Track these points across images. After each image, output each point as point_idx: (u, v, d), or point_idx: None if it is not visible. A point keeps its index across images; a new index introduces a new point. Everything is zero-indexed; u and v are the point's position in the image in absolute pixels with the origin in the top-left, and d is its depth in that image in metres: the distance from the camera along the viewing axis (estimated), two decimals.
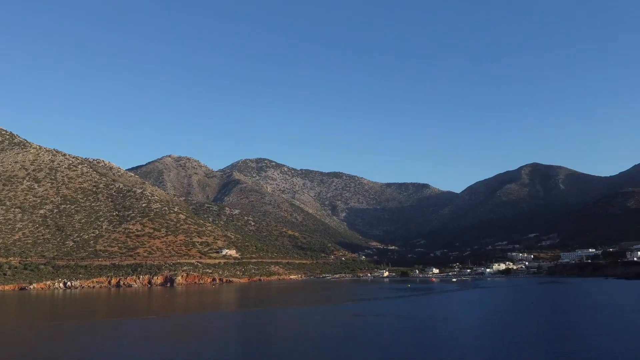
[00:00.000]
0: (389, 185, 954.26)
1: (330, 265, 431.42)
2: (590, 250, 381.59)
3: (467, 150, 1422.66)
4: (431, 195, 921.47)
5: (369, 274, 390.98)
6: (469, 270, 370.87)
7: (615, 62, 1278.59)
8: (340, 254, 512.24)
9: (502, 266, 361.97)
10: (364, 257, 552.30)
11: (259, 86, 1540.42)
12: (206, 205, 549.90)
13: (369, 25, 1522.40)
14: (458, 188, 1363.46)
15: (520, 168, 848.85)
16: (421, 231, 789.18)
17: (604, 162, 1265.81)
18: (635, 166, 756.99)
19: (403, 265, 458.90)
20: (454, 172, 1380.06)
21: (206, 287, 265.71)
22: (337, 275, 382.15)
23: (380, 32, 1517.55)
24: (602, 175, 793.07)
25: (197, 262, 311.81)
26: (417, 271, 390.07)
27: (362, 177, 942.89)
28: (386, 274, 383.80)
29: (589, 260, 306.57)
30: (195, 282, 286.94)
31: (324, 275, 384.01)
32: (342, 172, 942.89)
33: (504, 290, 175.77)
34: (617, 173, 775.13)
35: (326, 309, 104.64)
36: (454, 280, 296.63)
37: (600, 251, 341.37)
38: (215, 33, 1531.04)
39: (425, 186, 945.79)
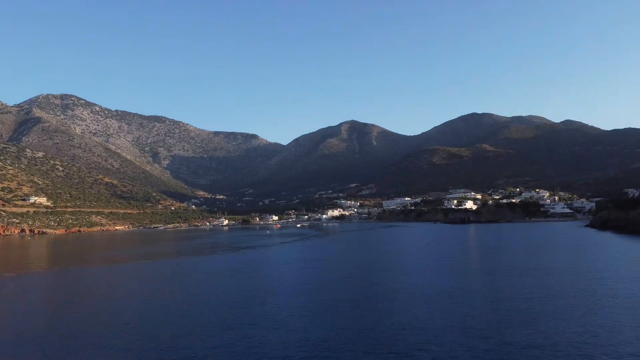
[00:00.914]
0: (217, 133, 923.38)
1: (160, 215, 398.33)
2: (406, 198, 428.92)
3: (295, 105, 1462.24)
4: (259, 146, 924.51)
5: (207, 223, 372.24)
6: (306, 217, 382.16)
7: (420, 40, 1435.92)
8: (168, 203, 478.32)
9: (336, 212, 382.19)
10: (193, 206, 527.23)
11: (62, 5, 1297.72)
12: (1, 145, 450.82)
13: None
14: (285, 140, 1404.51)
15: (341, 124, 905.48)
16: (249, 181, 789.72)
17: (408, 124, 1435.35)
18: (434, 128, 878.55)
19: (235, 213, 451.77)
20: (282, 125, 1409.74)
21: (14, 239, 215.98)
22: (172, 226, 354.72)
23: None
24: (407, 135, 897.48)
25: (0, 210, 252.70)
26: (257, 219, 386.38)
27: (188, 124, 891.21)
28: (226, 222, 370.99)
29: (413, 207, 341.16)
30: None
31: (155, 225, 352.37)
32: (165, 117, 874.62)
33: (372, 233, 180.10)
34: (419, 133, 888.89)
35: (222, 258, 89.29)
36: (299, 225, 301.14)
37: (418, 199, 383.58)
38: None
39: (254, 137, 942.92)
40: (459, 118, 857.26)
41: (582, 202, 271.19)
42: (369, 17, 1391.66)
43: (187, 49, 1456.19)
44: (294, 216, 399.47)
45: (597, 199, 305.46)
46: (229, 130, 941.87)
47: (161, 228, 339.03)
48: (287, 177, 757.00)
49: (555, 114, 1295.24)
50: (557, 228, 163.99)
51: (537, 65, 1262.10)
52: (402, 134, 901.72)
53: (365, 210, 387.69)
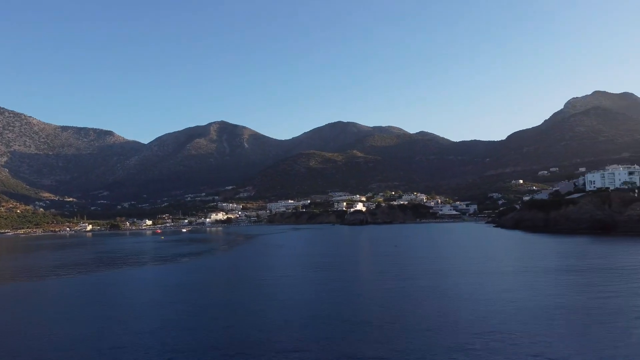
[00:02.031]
0: (65, 128, 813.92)
1: (5, 219, 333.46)
2: (289, 201, 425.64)
3: (157, 100, 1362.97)
4: (116, 144, 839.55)
5: (67, 229, 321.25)
6: (186, 221, 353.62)
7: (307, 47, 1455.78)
8: (11, 205, 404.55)
9: (220, 216, 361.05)
10: (41, 209, 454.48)
11: None
12: None
13: None
14: (146, 138, 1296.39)
15: (210, 124, 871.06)
16: (104, 182, 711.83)
17: (279, 128, 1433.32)
18: (303, 133, 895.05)
19: (90, 217, 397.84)
20: (142, 121, 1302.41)
21: None
22: (22, 231, 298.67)
23: None
24: (278, 138, 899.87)
25: None
26: (128, 224, 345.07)
27: (31, 116, 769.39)
28: (89, 227, 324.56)
29: (304, 210, 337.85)
30: None
31: (2, 231, 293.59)
32: (3, 107, 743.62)
33: (290, 235, 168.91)
34: (290, 138, 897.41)
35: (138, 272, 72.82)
36: (184, 230, 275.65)
37: (306, 201, 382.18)
38: None
39: (109, 133, 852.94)
40: (326, 125, 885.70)
41: (465, 205, 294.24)
42: (244, 17, 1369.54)
43: (28, 29, 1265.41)
44: (169, 220, 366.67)
45: (467, 202, 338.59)
46: (79, 125, 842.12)
47: (10, 234, 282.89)
48: (150, 179, 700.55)
49: (411, 126, 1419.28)
50: (470, 228, 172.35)
51: (396, 81, 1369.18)
52: (274, 137, 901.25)
53: (253, 213, 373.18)
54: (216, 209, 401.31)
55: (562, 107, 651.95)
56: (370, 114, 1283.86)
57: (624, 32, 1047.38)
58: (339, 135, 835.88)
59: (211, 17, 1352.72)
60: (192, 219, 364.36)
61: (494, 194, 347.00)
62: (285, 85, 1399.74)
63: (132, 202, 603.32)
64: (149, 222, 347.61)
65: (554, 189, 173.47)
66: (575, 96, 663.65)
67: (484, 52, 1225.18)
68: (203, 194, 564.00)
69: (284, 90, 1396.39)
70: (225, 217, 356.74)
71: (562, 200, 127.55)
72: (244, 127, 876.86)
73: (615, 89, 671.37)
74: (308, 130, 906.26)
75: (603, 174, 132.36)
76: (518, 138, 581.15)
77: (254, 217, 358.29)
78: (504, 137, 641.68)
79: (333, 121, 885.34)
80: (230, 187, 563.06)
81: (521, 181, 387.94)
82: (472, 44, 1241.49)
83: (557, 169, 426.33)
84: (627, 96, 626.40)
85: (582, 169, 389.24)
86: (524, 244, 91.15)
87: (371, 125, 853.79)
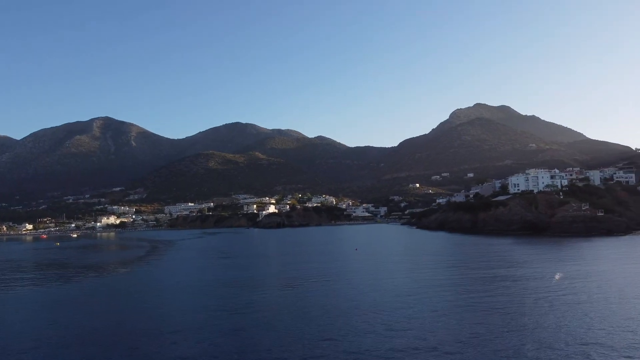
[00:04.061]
0: None
1: None
2: (190, 204, 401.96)
3: (32, 92, 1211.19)
4: None
5: None
6: (73, 225, 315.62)
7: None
8: None
9: (112, 219, 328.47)
10: None
11: None
12: None
13: None
14: (18, 134, 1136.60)
15: (92, 120, 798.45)
16: None
17: (171, 126, 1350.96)
18: (199, 133, 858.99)
19: None
20: (13, 114, 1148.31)
21: None
22: None
23: None
24: (171, 138, 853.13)
25: None
26: (4, 228, 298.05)
27: None
28: None
29: (210, 213, 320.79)
30: None
31: None
32: None
33: (224, 238, 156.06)
34: (184, 137, 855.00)
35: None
36: (74, 235, 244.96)
37: (210, 204, 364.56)
38: None
39: None
40: (224, 126, 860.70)
41: (375, 207, 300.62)
42: (137, 5, 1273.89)
43: None
44: (52, 225, 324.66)
45: (370, 204, 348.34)
46: None
47: None
48: (23, 178, 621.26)
49: (310, 130, 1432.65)
50: (395, 230, 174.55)
51: (295, 84, 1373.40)
52: (165, 136, 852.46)
53: (151, 217, 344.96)
54: (106, 212, 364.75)
55: (447, 117, 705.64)
56: (269, 117, 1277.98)
57: (501, 50, 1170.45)
58: (237, 136, 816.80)
59: (99, 5, 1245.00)
60: (80, 223, 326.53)
61: (394, 196, 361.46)
62: (179, 81, 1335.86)
63: (4, 204, 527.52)
64: (29, 227, 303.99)
65: (473, 190, 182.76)
66: (459, 107, 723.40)
67: (375, 61, 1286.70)
68: (87, 195, 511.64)
69: (176, 86, 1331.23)
70: (118, 221, 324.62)
71: (491, 202, 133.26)
72: (131, 124, 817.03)
73: (494, 102, 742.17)
74: (204, 130, 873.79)
75: (527, 177, 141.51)
76: (409, 145, 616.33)
77: (152, 221, 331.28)
78: (395, 144, 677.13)
79: (231, 122, 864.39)
80: (119, 189, 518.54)
81: (418, 185, 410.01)
82: (363, 55, 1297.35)
83: (448, 174, 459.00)
84: (504, 109, 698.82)
85: (471, 175, 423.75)
86: (480, 245, 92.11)
87: (270, 127, 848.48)
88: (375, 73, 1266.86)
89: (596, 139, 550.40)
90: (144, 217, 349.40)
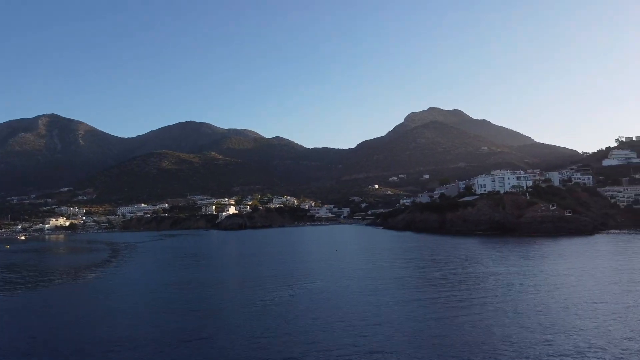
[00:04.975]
0: None
1: None
2: (143, 205, 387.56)
3: None
4: None
5: None
6: (20, 227, 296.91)
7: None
8: None
9: (61, 221, 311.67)
10: None
11: None
12: None
13: None
14: None
15: (38, 117, 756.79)
16: None
17: (121, 125, 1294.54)
18: (151, 131, 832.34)
19: None
20: None
21: None
22: None
23: None
24: (121, 136, 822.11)
25: None
26: None
27: None
28: None
29: (166, 214, 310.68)
30: None
31: None
32: None
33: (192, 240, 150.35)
34: (135, 136, 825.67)
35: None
36: (22, 238, 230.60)
37: (164, 205, 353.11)
38: None
39: None
40: (177, 124, 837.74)
41: (338, 208, 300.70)
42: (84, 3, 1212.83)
43: None
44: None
45: (330, 205, 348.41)
46: None
47: None
48: None
49: (267, 130, 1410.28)
50: (362, 231, 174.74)
51: (251, 84, 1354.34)
52: (115, 134, 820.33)
53: (103, 218, 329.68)
54: (54, 214, 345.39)
55: (403, 120, 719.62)
56: (224, 116, 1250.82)
57: (454, 55, 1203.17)
58: (191, 135, 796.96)
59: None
60: (26, 224, 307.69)
61: (355, 197, 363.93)
62: (129, 78, 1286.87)
63: None
64: None
65: (438, 191, 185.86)
66: (413, 111, 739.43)
67: (330, 64, 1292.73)
68: (32, 196, 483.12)
69: (127, 83, 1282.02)
70: (68, 222, 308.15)
71: (459, 203, 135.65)
72: (79, 122, 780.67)
73: (447, 106, 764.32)
74: (156, 128, 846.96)
75: (493, 178, 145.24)
76: (367, 147, 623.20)
77: (104, 222, 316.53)
78: (353, 146, 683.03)
79: (184, 120, 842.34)
80: (67, 189, 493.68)
81: (377, 186, 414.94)
82: (318, 57, 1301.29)
83: (405, 175, 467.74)
84: (457, 113, 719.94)
85: (427, 176, 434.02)
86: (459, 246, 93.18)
87: (226, 127, 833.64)
88: (331, 76, 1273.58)
89: (543, 142, 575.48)
90: (95, 218, 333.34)
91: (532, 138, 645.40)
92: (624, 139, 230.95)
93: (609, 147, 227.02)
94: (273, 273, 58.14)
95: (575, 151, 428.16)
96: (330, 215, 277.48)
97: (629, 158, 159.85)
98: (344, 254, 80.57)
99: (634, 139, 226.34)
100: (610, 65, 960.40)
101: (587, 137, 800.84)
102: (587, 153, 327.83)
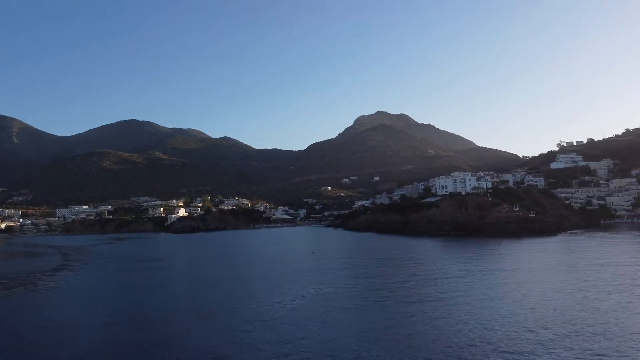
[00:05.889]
0: None
1: None
2: (84, 206, 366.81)
3: None
4: None
5: None
6: None
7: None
8: None
9: None
10: None
11: None
12: None
13: None
14: None
15: None
16: None
17: (57, 122, 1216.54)
18: (90, 130, 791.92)
19: None
20: None
21: None
22: None
23: None
24: (58, 135, 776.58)
25: None
26: None
27: None
28: None
29: (111, 217, 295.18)
30: None
31: None
32: None
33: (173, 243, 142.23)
34: (73, 134, 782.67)
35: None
36: None
37: (108, 207, 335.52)
38: None
39: None
40: (118, 123, 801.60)
41: (294, 210, 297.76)
42: None
43: None
44: None
45: (284, 206, 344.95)
46: None
47: None
48: None
49: (214, 130, 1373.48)
50: (325, 233, 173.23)
51: (197, 82, 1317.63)
52: (51, 132, 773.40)
53: (42, 221, 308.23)
54: None
55: (352, 123, 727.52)
56: (168, 115, 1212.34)
57: (402, 60, 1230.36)
58: (133, 134, 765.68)
59: None
60: None
61: (308, 199, 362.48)
62: (67, 73, 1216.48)
63: None
64: None
65: (398, 192, 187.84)
66: (362, 114, 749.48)
67: (279, 65, 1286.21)
68: None
69: (64, 78, 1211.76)
70: (4, 225, 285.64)
71: (423, 204, 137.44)
72: (12, 119, 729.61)
73: (394, 110, 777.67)
74: (95, 126, 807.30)
75: (455, 179, 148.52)
76: (318, 149, 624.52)
77: (43, 225, 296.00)
78: (304, 147, 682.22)
79: (126, 119, 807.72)
80: (1, 190, 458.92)
81: (329, 188, 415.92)
82: (267, 58, 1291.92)
83: (356, 177, 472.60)
84: (403, 117, 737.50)
85: (377, 178, 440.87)
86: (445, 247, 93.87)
87: (170, 126, 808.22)
88: (281, 76, 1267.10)
89: (485, 146, 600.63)
90: (34, 220, 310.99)
91: (474, 142, 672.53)
92: (564, 144, 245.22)
93: (551, 151, 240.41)
94: (282, 289, 55.41)
95: (515, 155, 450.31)
96: (286, 217, 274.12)
97: (576, 161, 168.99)
98: (321, 256, 78.78)
99: (574, 143, 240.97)
100: (544, 70, 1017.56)
101: (527, 142, 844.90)
102: (527, 157, 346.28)
